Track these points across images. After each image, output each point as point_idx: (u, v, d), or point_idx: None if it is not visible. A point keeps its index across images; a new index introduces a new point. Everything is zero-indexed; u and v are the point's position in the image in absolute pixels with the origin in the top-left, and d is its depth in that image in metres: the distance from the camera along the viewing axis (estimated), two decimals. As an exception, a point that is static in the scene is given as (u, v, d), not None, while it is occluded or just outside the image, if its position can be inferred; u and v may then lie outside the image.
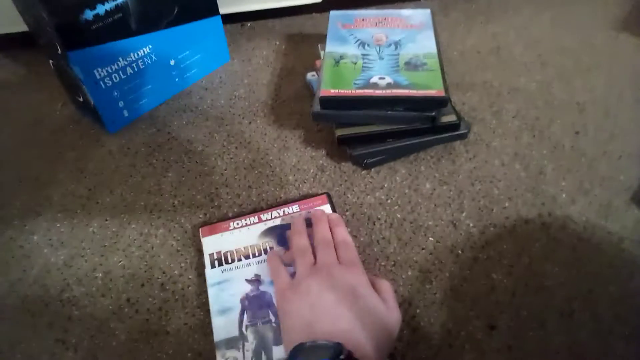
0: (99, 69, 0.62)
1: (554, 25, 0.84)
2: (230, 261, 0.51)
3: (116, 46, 0.63)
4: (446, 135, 0.60)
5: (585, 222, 0.54)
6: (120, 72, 0.65)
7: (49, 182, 0.63)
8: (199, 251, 0.53)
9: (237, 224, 0.55)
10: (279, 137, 0.67)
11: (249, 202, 0.59)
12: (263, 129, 0.68)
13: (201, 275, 0.51)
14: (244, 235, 0.54)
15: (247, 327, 0.45)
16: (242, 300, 0.47)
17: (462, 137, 0.61)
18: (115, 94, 0.66)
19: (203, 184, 0.61)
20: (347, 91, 0.57)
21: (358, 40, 0.66)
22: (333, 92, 0.58)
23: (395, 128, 0.59)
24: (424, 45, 0.64)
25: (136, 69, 0.67)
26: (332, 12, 0.72)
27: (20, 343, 0.47)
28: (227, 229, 0.54)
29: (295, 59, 0.81)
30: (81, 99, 0.67)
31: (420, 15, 0.70)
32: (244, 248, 0.52)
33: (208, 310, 0.47)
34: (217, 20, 0.75)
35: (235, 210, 0.58)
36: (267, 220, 0.55)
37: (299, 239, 0.49)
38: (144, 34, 0.65)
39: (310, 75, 0.73)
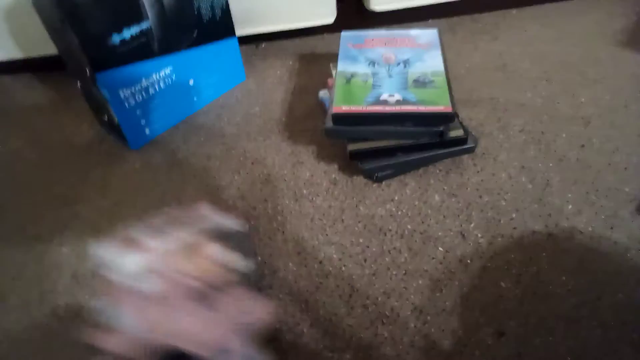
0: (124, 89, 0.66)
1: (559, 41, 0.86)
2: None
3: (140, 67, 0.67)
4: (454, 149, 0.62)
5: (591, 232, 0.56)
6: (143, 92, 0.69)
7: (77, 199, 0.67)
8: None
9: (254, 235, 0.58)
10: (293, 153, 0.70)
11: (264, 214, 0.61)
12: (277, 145, 0.72)
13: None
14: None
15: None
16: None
17: (470, 151, 0.63)
18: (138, 112, 0.70)
19: (221, 197, 0.64)
20: (358, 108, 0.60)
21: (368, 59, 0.69)
22: (345, 108, 0.60)
23: (405, 143, 0.61)
24: (432, 63, 0.66)
25: (157, 89, 0.71)
26: (343, 33, 0.75)
27: (52, 350, 0.50)
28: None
29: (308, 77, 0.84)
30: (106, 119, 0.72)
31: (428, 35, 0.73)
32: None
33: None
34: (233, 41, 0.79)
35: (252, 222, 0.61)
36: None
37: None
38: (165, 56, 0.69)
39: (323, 93, 0.77)
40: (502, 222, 0.58)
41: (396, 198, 0.62)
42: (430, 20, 0.96)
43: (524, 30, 0.91)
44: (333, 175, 0.66)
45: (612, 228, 0.56)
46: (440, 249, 0.56)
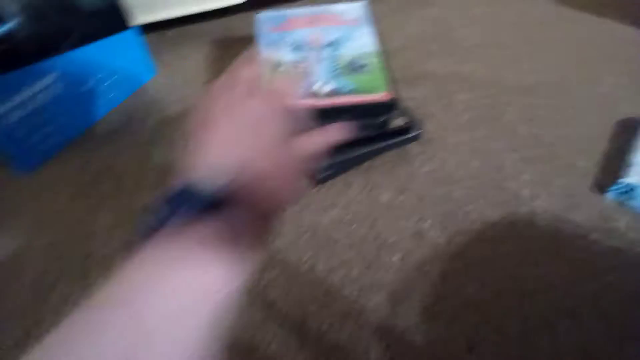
0: (-4, 107, 0.53)
1: (496, 2, 0.81)
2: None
3: (11, 79, 0.54)
4: (399, 139, 0.56)
5: (551, 218, 0.52)
6: (23, 106, 0.56)
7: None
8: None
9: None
10: (220, 159, 0.61)
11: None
12: (201, 151, 0.62)
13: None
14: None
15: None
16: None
17: (416, 138, 0.57)
18: (22, 129, 0.57)
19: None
20: (287, 104, 0.51)
21: (293, 43, 0.60)
22: (271, 106, 0.52)
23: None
24: (363, 43, 0.59)
25: (44, 100, 0.58)
26: (258, 16, 0.64)
27: None
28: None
29: (227, 64, 0.74)
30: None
31: (355, 10, 0.64)
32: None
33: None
34: (132, 33, 0.66)
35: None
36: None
37: None
38: (44, 61, 0.56)
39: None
40: (459, 215, 0.52)
41: (342, 201, 0.55)
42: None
43: (457, -6, 0.85)
44: (268, 182, 0.57)
45: (571, 210, 0.52)
46: (396, 256, 0.50)
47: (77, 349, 0.18)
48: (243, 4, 0.77)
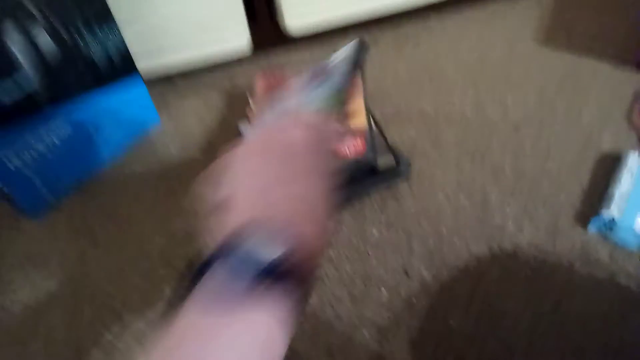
0: (6, 151, 0.57)
1: (480, 44, 0.85)
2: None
3: (23, 125, 0.58)
4: (388, 178, 0.58)
5: (534, 251, 0.53)
6: (32, 151, 0.60)
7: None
8: None
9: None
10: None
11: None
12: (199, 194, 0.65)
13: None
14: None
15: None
16: None
17: (404, 175, 0.60)
18: (30, 175, 0.61)
19: (143, 266, 0.56)
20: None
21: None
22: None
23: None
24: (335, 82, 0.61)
25: (52, 145, 0.62)
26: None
27: None
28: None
29: (228, 110, 0.78)
30: (-3, 187, 0.62)
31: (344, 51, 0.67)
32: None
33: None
34: (137, 81, 0.71)
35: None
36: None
37: None
38: (54, 107, 0.60)
39: (243, 125, 0.71)
40: (444, 250, 0.54)
41: (333, 239, 0.57)
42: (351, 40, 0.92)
43: (445, 33, 0.89)
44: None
45: (554, 242, 0.54)
46: (384, 290, 0.52)
47: None
48: (245, 51, 0.81)
